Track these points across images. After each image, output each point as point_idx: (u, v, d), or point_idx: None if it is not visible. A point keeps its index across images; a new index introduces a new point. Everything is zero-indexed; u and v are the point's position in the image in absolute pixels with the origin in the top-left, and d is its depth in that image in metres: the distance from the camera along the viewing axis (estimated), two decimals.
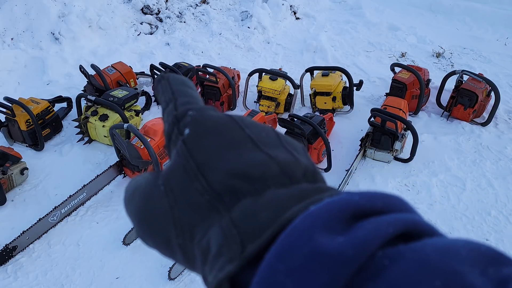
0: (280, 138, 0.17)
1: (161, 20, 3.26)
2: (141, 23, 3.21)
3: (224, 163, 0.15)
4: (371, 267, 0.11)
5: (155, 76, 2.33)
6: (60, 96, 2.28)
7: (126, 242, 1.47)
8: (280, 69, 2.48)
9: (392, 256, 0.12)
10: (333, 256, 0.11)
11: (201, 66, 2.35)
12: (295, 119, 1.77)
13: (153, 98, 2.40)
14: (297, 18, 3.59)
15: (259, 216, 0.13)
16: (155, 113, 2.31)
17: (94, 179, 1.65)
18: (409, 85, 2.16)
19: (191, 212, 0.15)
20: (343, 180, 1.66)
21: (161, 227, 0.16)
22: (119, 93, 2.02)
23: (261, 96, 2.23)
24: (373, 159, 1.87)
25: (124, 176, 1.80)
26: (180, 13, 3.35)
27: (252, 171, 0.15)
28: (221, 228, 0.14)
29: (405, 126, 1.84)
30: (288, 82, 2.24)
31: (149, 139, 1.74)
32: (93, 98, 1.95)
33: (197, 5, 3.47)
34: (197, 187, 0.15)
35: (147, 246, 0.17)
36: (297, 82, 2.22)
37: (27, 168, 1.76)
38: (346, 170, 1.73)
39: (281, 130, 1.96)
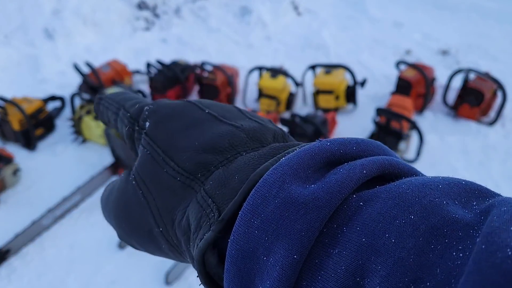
0: (243, 112, 0.17)
1: (157, 16, 3.19)
2: (137, 19, 3.13)
3: (190, 142, 0.15)
4: (345, 211, 0.11)
5: (152, 74, 2.27)
6: (54, 95, 2.23)
7: (121, 245, 1.44)
8: (281, 66, 2.42)
9: (367, 197, 0.11)
10: (306, 203, 0.11)
11: (199, 63, 2.29)
12: (297, 118, 1.72)
13: (150, 97, 2.35)
14: (299, 14, 3.51)
15: (232, 180, 0.14)
16: None
17: (88, 180, 1.61)
18: (414, 84, 2.11)
19: (166, 197, 0.15)
20: None
21: (140, 221, 0.16)
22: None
23: (261, 94, 2.19)
24: None
25: None
26: (177, 8, 3.27)
27: (219, 142, 0.15)
28: (197, 202, 0.14)
29: (410, 126, 1.79)
30: (289, 80, 2.19)
31: None
32: (87, 96, 1.89)
33: (194, 0, 3.39)
34: (168, 171, 0.15)
35: (134, 247, 0.17)
36: (299, 80, 2.16)
37: (19, 169, 1.72)
38: None
39: None
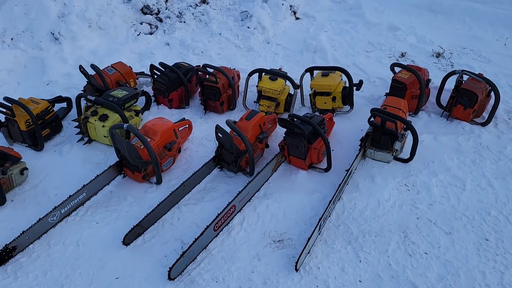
0: None
1: (161, 20, 3.27)
2: (141, 23, 3.21)
3: None
4: None
5: (155, 76, 2.33)
6: (60, 96, 2.29)
7: (126, 242, 1.47)
8: (280, 69, 2.47)
9: None
10: None
11: (201, 66, 2.35)
12: (295, 119, 1.77)
13: (153, 98, 2.40)
14: (297, 18, 3.60)
15: None
16: (155, 113, 2.31)
17: (94, 179, 1.65)
18: (409, 85, 2.15)
19: None
20: (343, 180, 1.66)
21: None
22: (119, 93, 2.02)
23: (261, 96, 2.23)
24: (373, 159, 1.87)
25: (124, 176, 1.80)
26: (180, 13, 3.36)
27: None
28: None
29: (405, 126, 1.84)
30: (288, 82, 2.24)
31: (149, 139, 1.74)
32: (93, 98, 1.95)
33: (197, 5, 3.48)
34: None
35: None
36: (297, 82, 2.22)
37: (27, 168, 1.76)
38: (346, 170, 1.73)
39: (281, 130, 1.97)
